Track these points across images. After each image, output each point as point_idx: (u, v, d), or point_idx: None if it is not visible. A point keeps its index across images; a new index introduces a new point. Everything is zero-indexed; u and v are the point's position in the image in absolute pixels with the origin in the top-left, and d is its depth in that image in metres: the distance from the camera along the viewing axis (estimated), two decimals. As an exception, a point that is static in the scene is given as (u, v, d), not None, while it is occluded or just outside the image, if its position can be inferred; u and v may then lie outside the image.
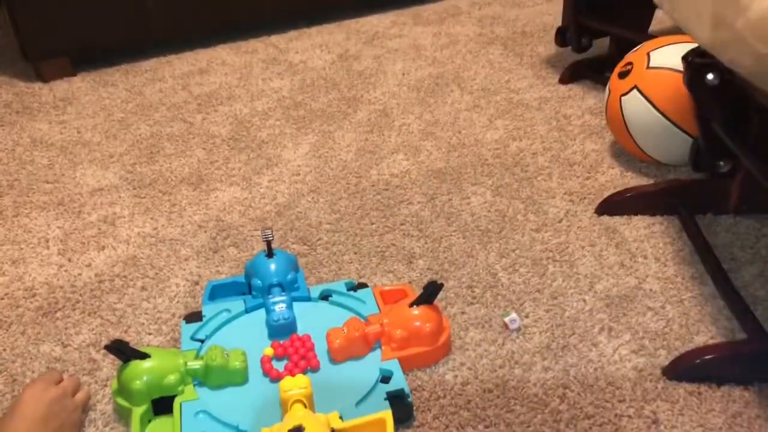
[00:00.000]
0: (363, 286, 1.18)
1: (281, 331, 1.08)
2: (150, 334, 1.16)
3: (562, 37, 1.85)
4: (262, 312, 1.13)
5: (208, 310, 1.14)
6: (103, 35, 2.05)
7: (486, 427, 0.97)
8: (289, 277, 1.15)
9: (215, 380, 1.00)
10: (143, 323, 1.18)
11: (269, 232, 1.15)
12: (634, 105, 1.40)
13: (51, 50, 2.02)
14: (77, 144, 1.72)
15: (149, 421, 0.98)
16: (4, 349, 1.14)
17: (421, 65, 2.02)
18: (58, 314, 1.21)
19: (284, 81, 1.96)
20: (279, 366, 1.04)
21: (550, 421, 0.97)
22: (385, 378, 1.01)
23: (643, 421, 0.96)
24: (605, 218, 1.34)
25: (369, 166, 1.57)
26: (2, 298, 1.25)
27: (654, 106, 1.37)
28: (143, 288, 1.25)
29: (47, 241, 1.39)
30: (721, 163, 1.19)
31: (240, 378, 1.01)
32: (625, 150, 1.51)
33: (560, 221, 1.35)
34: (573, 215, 1.36)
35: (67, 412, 0.96)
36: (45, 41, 2.00)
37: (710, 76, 1.10)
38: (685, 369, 1.01)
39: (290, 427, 0.85)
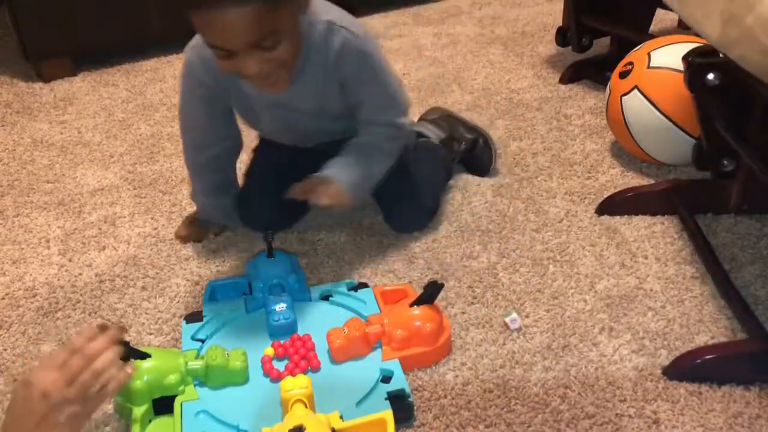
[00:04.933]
0: (363, 286, 1.18)
1: (282, 331, 1.08)
2: (150, 334, 1.16)
3: (562, 37, 1.85)
4: (262, 312, 1.13)
5: (208, 310, 1.14)
6: (103, 35, 2.04)
7: (487, 427, 0.97)
8: (290, 277, 1.15)
9: (216, 380, 1.00)
10: (144, 323, 1.18)
11: (270, 232, 1.15)
12: (635, 105, 1.40)
13: (51, 50, 2.02)
14: (78, 144, 1.72)
15: (150, 420, 0.98)
16: (5, 349, 1.15)
17: (422, 65, 2.02)
18: (59, 314, 1.21)
19: (284, 81, 1.96)
20: (279, 366, 1.04)
21: (551, 420, 0.97)
22: (386, 378, 1.01)
23: (644, 421, 0.96)
24: (605, 218, 1.34)
25: (369, 166, 1.56)
26: (3, 298, 1.25)
27: (655, 106, 1.37)
28: (144, 288, 1.25)
29: (48, 241, 1.39)
30: (725, 161, 1.19)
31: (240, 378, 1.01)
32: (626, 150, 1.51)
33: (561, 221, 1.35)
34: (573, 215, 1.36)
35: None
36: (46, 41, 2.00)
37: (710, 76, 1.10)
38: (686, 369, 1.01)
39: (291, 427, 0.85)
